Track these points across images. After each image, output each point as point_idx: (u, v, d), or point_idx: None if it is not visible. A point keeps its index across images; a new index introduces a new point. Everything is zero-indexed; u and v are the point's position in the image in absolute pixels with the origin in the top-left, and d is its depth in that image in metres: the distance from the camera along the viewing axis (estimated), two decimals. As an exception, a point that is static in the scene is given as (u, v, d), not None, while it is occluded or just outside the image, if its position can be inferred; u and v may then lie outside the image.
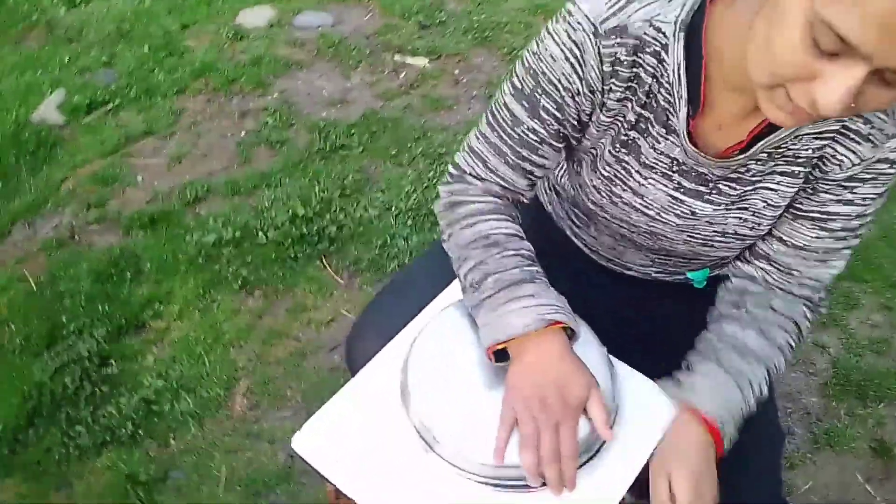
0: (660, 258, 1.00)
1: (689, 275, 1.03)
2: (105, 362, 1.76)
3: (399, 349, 0.90)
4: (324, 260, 1.98)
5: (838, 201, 0.81)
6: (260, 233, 2.00)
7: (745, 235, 0.88)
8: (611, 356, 0.89)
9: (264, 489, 1.51)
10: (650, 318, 1.07)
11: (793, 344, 0.88)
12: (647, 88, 0.79)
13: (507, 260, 0.86)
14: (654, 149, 0.83)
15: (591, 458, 0.80)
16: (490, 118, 0.88)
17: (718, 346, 0.87)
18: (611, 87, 0.80)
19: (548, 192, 1.10)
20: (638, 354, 0.92)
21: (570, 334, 0.84)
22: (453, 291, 0.97)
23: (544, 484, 0.77)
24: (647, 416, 0.84)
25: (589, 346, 0.86)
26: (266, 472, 1.52)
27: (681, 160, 0.83)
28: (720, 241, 0.90)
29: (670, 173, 0.85)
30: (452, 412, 0.81)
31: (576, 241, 1.07)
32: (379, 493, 0.80)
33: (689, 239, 0.90)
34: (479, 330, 0.83)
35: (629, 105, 0.81)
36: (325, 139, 2.30)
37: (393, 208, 2.07)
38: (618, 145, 0.85)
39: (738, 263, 0.93)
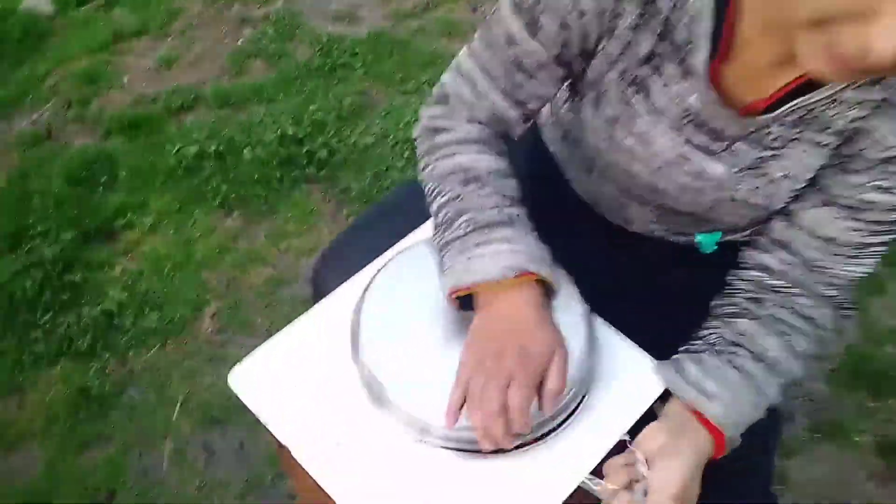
0: (664, 215, 0.89)
1: (697, 237, 0.92)
2: (69, 269, 1.68)
3: (358, 287, 0.81)
4: (311, 185, 1.87)
5: (876, 188, 0.70)
6: (245, 149, 1.90)
7: (756, 205, 0.77)
8: (598, 318, 0.79)
9: (222, 417, 1.44)
10: (648, 281, 0.97)
11: (814, 352, 0.78)
12: (664, 17, 0.68)
13: (485, 199, 0.76)
14: (666, 92, 0.72)
15: (554, 430, 0.71)
16: (483, 34, 0.77)
17: (735, 349, 0.77)
18: (622, 11, 0.68)
19: (551, 125, 0.99)
20: (632, 319, 0.83)
21: (548, 289, 0.74)
22: (429, 229, 0.87)
23: (499, 450, 0.68)
24: (628, 389, 0.75)
25: (568, 304, 0.77)
26: (225, 401, 1.45)
27: (694, 110, 0.72)
28: (728, 208, 0.79)
29: (681, 123, 0.74)
30: (405, 365, 0.72)
31: (575, 187, 0.97)
32: (317, 444, 0.72)
33: (693, 200, 0.80)
34: (443, 273, 0.74)
35: (642, 36, 0.70)
36: (327, 56, 2.17)
37: (391, 137, 1.96)
38: (625, 83, 0.74)
39: (754, 252, 0.82)
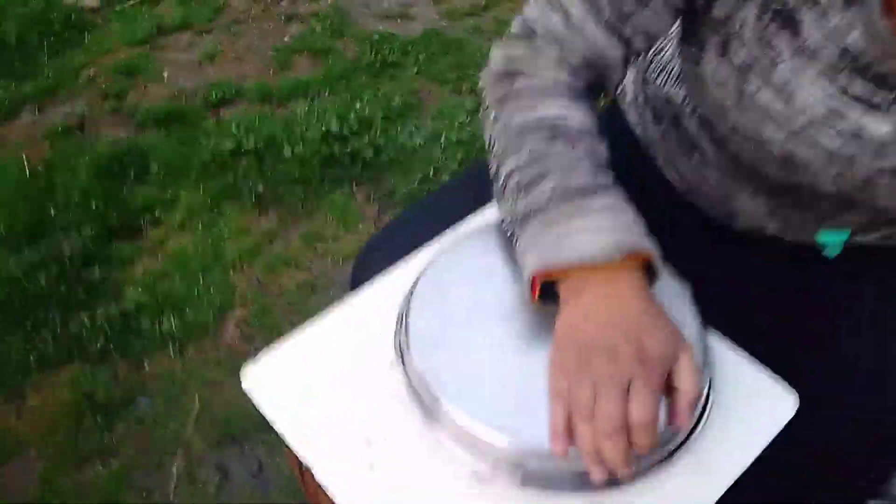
0: (784, 206, 0.71)
1: (819, 236, 0.74)
2: (88, 265, 1.56)
3: (403, 279, 0.65)
4: (354, 186, 1.73)
5: None
6: (286, 146, 1.76)
7: None
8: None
9: (240, 434, 1.28)
10: (755, 288, 0.79)
11: None
12: None
13: (577, 161, 0.59)
14: (821, 26, 0.55)
15: (663, 460, 0.53)
16: None
17: None
18: None
19: (639, 103, 0.83)
20: (736, 336, 0.65)
21: (651, 275, 0.57)
22: (487, 215, 0.71)
23: (612, 481, 0.50)
24: (753, 405, 0.57)
25: (678, 301, 0.59)
26: (245, 416, 1.29)
27: (856, 49, 0.55)
28: (887, 185, 0.61)
29: (837, 67, 0.57)
30: (470, 374, 0.55)
31: (670, 173, 0.80)
32: (345, 466, 0.55)
33: (841, 174, 0.62)
34: (522, 252, 0.57)
35: None
36: (377, 54, 2.05)
37: (442, 138, 1.81)
38: (767, 17, 0.57)
39: None
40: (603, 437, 0.48)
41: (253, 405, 0.60)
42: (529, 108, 0.62)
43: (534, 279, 0.57)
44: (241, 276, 1.55)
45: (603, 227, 0.55)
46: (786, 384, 0.59)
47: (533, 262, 0.56)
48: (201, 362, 1.40)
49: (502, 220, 0.62)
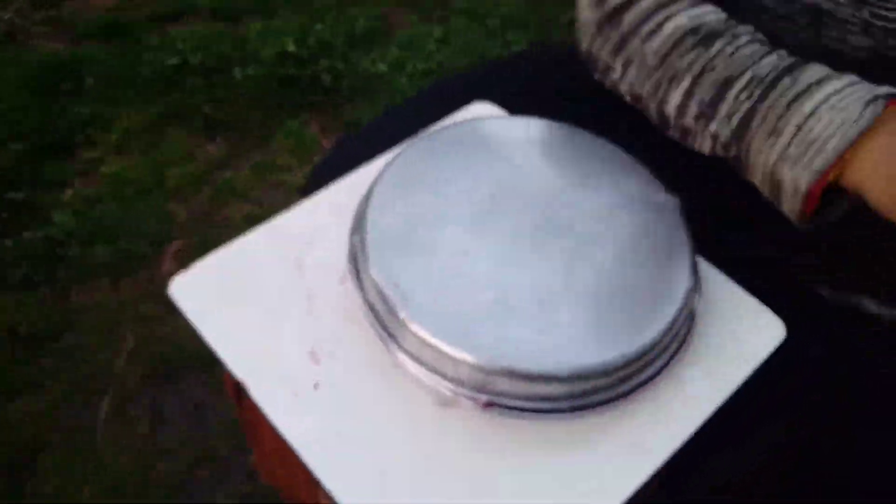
0: None
1: None
2: (13, 186, 1.48)
3: (360, 182, 0.60)
4: (311, 114, 1.66)
5: None
6: (237, 67, 1.68)
7: None
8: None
9: (176, 372, 1.23)
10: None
11: None
12: None
13: (748, 48, 0.53)
14: None
15: (642, 385, 0.50)
16: None
17: None
18: None
19: None
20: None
21: None
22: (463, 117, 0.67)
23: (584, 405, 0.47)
24: (738, 332, 0.55)
25: (668, 214, 0.56)
26: (183, 353, 1.24)
27: None
28: None
29: None
30: (440, 283, 0.51)
31: None
32: (285, 384, 0.51)
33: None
34: (765, 172, 0.51)
35: None
36: (342, -28, 1.95)
37: (408, 67, 1.74)
38: None
39: None
40: None
41: (192, 341, 0.55)
42: (658, 28, 0.56)
43: (811, 192, 0.49)
44: (182, 205, 1.48)
45: (837, 94, 0.48)
46: (772, 313, 0.56)
47: (799, 173, 0.49)
48: (136, 295, 1.34)
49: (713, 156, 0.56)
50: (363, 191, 0.57)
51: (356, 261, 0.54)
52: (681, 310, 0.50)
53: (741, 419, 0.53)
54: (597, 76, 0.61)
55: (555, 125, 0.61)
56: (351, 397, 0.51)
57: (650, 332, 0.48)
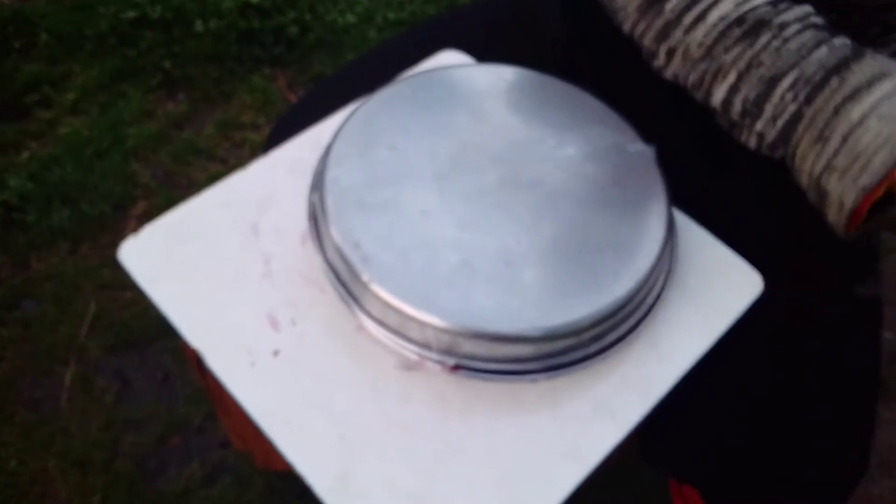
0: None
1: None
2: (-37, 149, 1.42)
3: (319, 138, 0.58)
4: (275, 68, 1.61)
5: None
6: (198, 20, 1.62)
7: None
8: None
9: (141, 341, 1.20)
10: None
11: None
12: None
13: (796, 42, 0.50)
14: None
15: (617, 341, 0.49)
16: None
17: None
18: None
19: None
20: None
21: None
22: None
23: (553, 366, 0.45)
24: (715, 285, 0.53)
25: (643, 163, 0.54)
26: (148, 321, 1.21)
27: None
28: None
29: None
30: (404, 242, 0.48)
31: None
32: (243, 352, 0.49)
33: None
34: (818, 172, 0.48)
35: None
36: (305, -82, 1.88)
37: (378, 18, 1.69)
38: None
39: None
40: None
41: (157, 311, 0.53)
42: (698, 21, 0.52)
43: (856, 211, 0.46)
44: (144, 165, 1.44)
45: (888, 99, 0.46)
46: (749, 265, 0.55)
47: (845, 188, 0.46)
48: (98, 261, 1.30)
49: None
50: (323, 147, 0.55)
51: (316, 221, 0.51)
52: (654, 266, 0.48)
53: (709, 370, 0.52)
54: (643, 57, 0.58)
55: (524, 73, 0.59)
56: (312, 364, 0.49)
57: (620, 289, 0.47)
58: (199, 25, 1.61)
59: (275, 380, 0.48)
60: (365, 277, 0.46)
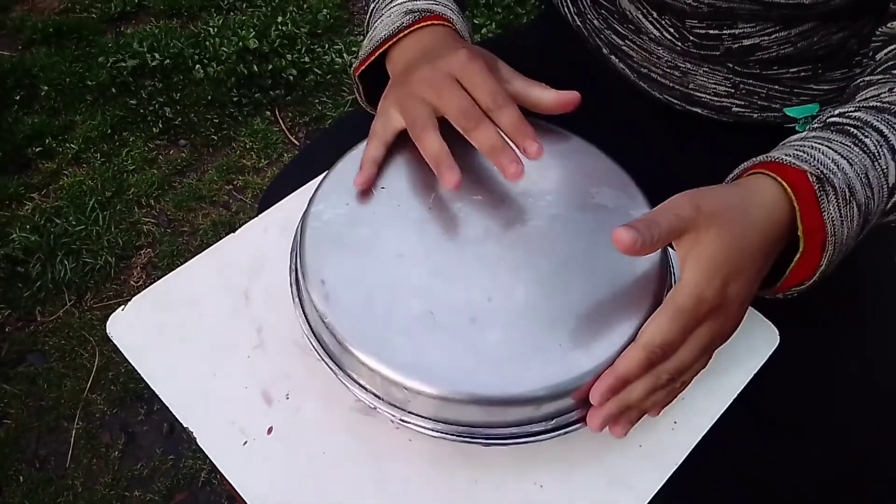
0: (746, 77, 0.67)
1: (788, 111, 0.69)
2: (-34, 204, 1.41)
3: (300, 203, 0.55)
4: (276, 111, 1.60)
5: None
6: (197, 66, 1.61)
7: None
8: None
9: (145, 393, 1.18)
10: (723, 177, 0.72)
11: None
12: None
13: None
14: None
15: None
16: None
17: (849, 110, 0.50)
18: None
19: None
20: None
21: None
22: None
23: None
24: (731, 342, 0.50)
25: (627, 194, 0.51)
26: (153, 372, 1.18)
27: None
28: None
29: None
30: (385, 309, 0.44)
31: (618, 64, 0.74)
32: (235, 432, 0.46)
33: None
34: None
35: None
36: (301, -39, 1.88)
37: (375, 57, 1.68)
38: None
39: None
40: (471, 126, 0.47)
41: None
42: None
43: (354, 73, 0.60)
44: (147, 213, 1.42)
45: (400, 4, 0.58)
46: (765, 319, 0.52)
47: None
48: (101, 313, 1.28)
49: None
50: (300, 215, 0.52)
51: (298, 292, 0.48)
52: (623, 347, 0.42)
53: None
54: None
55: (532, 122, 0.56)
56: (307, 440, 0.46)
57: (583, 364, 0.41)
58: (198, 72, 1.60)
59: (268, 459, 0.45)
60: (325, 314, 0.43)
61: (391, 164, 0.51)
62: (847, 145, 0.46)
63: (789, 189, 0.44)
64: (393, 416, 0.43)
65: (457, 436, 0.42)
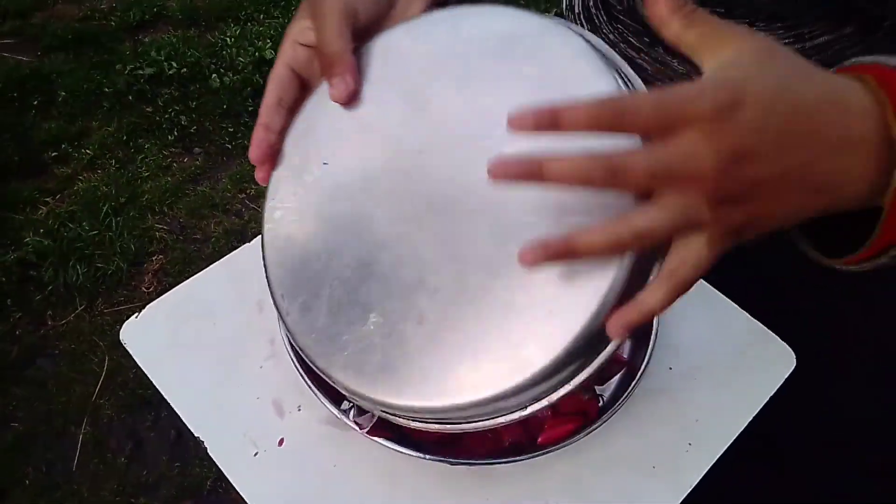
0: None
1: None
2: (-19, 207, 1.41)
3: None
4: (290, 121, 1.60)
5: None
6: (214, 75, 1.62)
7: None
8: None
9: (153, 399, 1.17)
10: None
11: None
12: None
13: None
14: None
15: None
16: None
17: None
18: None
19: (587, 5, 0.75)
20: None
21: None
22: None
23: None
24: (749, 363, 0.49)
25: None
26: (162, 379, 1.18)
27: None
28: None
29: None
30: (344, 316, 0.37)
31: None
32: (245, 443, 0.46)
33: None
34: None
35: None
36: (318, -26, 1.89)
37: (390, 70, 1.68)
38: None
39: None
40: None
41: None
42: None
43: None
44: (160, 219, 1.42)
45: None
46: (782, 341, 0.51)
47: None
48: (112, 318, 1.28)
49: None
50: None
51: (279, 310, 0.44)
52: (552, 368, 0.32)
53: None
54: None
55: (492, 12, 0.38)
56: (317, 454, 0.45)
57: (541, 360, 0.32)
58: (214, 81, 1.61)
59: (279, 471, 0.45)
60: (282, 331, 0.42)
61: (330, 130, 0.39)
62: None
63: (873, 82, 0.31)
64: (360, 424, 0.43)
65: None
